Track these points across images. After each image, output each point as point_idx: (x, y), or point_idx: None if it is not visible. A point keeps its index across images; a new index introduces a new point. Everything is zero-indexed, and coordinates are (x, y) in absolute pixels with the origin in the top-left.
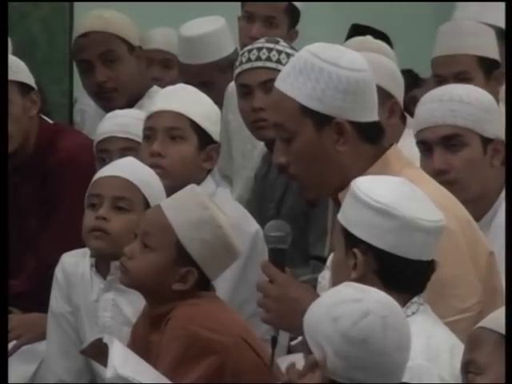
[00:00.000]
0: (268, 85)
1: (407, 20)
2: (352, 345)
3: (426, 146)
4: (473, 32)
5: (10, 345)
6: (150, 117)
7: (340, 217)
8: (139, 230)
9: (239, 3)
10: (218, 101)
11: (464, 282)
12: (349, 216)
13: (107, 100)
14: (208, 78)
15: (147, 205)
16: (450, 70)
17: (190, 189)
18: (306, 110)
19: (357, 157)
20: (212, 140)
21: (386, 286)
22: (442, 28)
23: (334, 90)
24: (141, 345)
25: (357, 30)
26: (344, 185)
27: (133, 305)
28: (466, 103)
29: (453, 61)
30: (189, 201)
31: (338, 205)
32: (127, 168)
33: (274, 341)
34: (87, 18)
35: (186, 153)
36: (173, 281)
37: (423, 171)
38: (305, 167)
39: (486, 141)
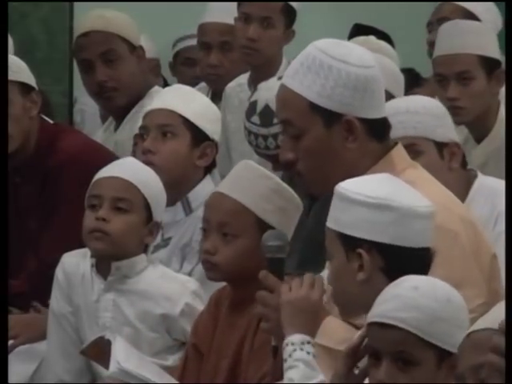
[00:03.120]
0: None
1: (407, 20)
2: (440, 303)
3: None
4: (474, 31)
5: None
6: (145, 116)
7: (332, 224)
8: (210, 224)
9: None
10: None
11: (469, 284)
12: (343, 220)
13: (107, 99)
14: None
15: (147, 205)
16: (452, 70)
17: (245, 164)
18: (315, 108)
19: (363, 154)
20: (208, 138)
21: (393, 281)
22: (444, 27)
23: (344, 87)
24: (223, 325)
25: (359, 30)
26: None
27: (133, 305)
28: (412, 113)
29: (454, 60)
30: (251, 177)
31: None
32: (127, 168)
33: (276, 350)
34: (88, 18)
35: (177, 149)
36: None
37: (426, 172)
38: (313, 164)
39: (441, 145)
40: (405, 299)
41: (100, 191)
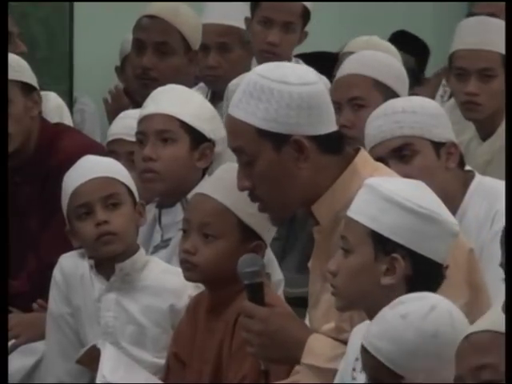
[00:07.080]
0: None
1: (408, 20)
2: (423, 338)
3: (380, 161)
4: (499, 30)
5: (9, 344)
6: (141, 121)
7: (365, 220)
8: (191, 224)
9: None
10: None
11: (450, 285)
12: (382, 220)
13: (143, 86)
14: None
15: (130, 192)
16: (474, 65)
17: (228, 167)
18: (262, 133)
19: (320, 170)
20: (205, 138)
21: (410, 291)
22: (467, 22)
23: (287, 108)
24: (202, 331)
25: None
26: (314, 198)
27: (137, 302)
28: (409, 112)
29: (478, 55)
30: (233, 179)
31: (312, 217)
32: (101, 166)
33: (266, 374)
34: (161, 4)
35: (178, 154)
36: None
37: (391, 171)
38: (269, 188)
39: (438, 145)
40: (389, 327)
41: (88, 198)
